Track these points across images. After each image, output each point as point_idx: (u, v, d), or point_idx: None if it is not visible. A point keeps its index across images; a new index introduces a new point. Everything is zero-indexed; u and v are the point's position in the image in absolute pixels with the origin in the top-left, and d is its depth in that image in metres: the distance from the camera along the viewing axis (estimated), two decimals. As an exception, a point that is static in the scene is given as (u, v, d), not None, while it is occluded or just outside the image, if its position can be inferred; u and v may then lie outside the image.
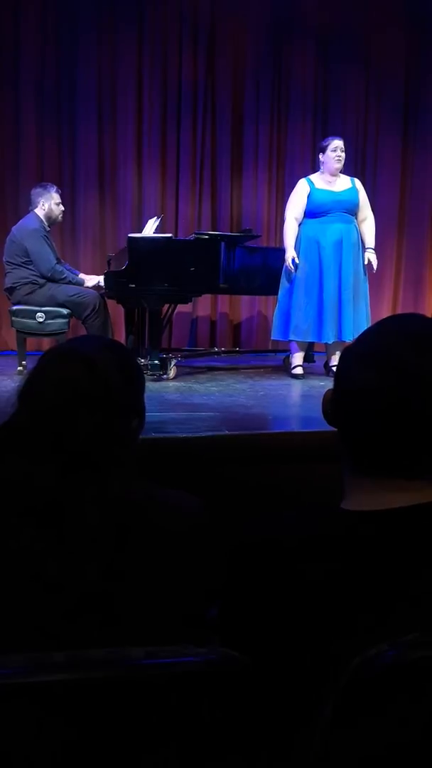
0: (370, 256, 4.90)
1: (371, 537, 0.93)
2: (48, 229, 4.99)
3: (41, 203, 4.98)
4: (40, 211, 4.97)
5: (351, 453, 1.00)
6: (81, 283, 4.98)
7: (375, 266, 4.95)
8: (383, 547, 0.92)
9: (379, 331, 1.01)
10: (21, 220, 5.05)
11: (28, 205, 5.09)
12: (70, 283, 4.90)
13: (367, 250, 4.91)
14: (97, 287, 5.00)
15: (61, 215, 5.12)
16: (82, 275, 5.16)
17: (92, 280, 5.06)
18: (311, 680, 0.88)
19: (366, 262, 4.89)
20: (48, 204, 4.98)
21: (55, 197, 5.02)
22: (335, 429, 1.05)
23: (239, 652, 0.84)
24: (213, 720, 0.85)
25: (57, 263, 4.91)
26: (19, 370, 4.72)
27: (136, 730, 0.84)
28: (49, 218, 5.00)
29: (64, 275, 4.88)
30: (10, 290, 4.91)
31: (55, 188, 5.06)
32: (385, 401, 0.93)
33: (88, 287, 4.99)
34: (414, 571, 0.91)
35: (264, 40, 6.49)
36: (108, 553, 1.03)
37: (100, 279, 4.99)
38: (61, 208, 5.10)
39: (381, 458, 0.96)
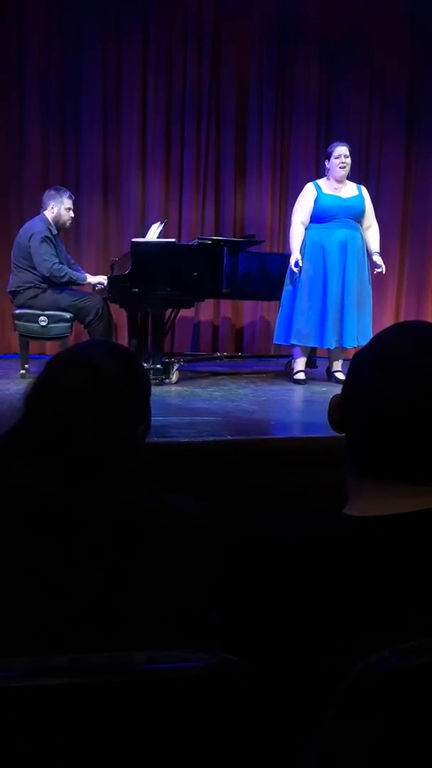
0: (379, 259, 4.90)
1: (375, 542, 0.93)
2: (55, 232, 4.97)
3: (51, 206, 4.97)
4: (48, 213, 4.97)
5: (357, 457, 1.01)
6: (83, 280, 4.96)
7: (384, 268, 4.95)
8: (387, 552, 0.92)
9: (390, 335, 1.02)
10: (28, 222, 5.05)
11: (39, 207, 5.09)
12: (71, 280, 4.86)
13: (374, 254, 4.91)
14: (100, 291, 5.00)
15: (70, 221, 5.10)
16: (85, 274, 5.15)
17: (95, 278, 5.06)
18: (313, 686, 0.88)
19: (379, 264, 4.89)
20: (57, 208, 4.97)
21: (67, 203, 5.00)
22: (338, 435, 1.05)
23: (241, 657, 0.84)
24: (214, 725, 0.85)
25: (58, 263, 4.84)
26: (22, 374, 4.73)
27: (138, 735, 0.84)
28: (57, 222, 4.98)
29: (64, 272, 4.82)
30: (14, 293, 4.92)
31: (68, 194, 5.04)
32: (396, 405, 0.94)
33: (90, 283, 4.99)
34: (418, 577, 0.91)
35: (268, 46, 6.51)
36: (113, 558, 1.03)
37: (103, 279, 4.99)
38: (71, 214, 5.07)
39: (388, 463, 0.96)
